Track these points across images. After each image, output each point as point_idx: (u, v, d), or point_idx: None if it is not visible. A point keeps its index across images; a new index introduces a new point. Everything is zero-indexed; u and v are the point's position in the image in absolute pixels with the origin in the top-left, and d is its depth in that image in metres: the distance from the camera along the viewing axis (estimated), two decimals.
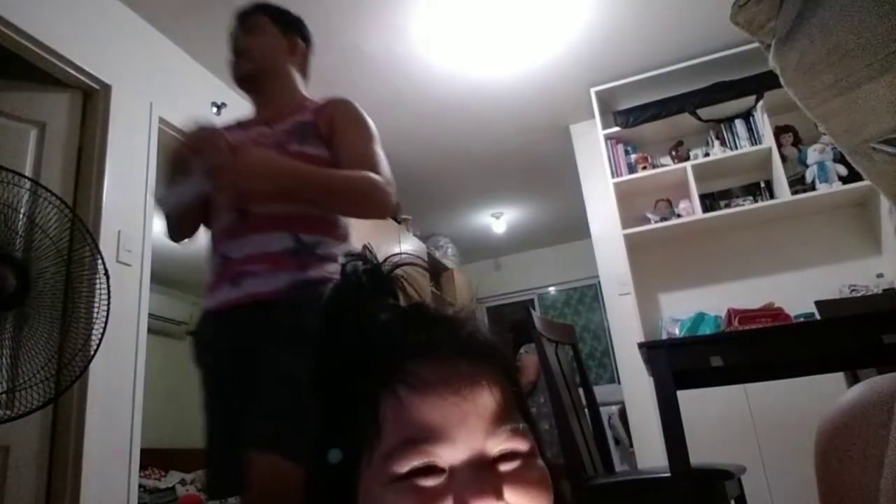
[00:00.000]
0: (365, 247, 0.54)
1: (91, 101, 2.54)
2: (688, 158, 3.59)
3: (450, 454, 0.42)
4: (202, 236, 1.43)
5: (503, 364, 0.48)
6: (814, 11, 0.46)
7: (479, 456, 0.42)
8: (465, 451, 0.42)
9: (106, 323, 1.81)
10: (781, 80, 0.52)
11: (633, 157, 3.67)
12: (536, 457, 0.45)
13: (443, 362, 0.45)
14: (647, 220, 3.61)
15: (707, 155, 3.55)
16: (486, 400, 0.44)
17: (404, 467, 0.41)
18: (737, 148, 3.50)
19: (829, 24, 0.45)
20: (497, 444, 0.43)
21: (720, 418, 3.06)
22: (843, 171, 3.17)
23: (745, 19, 0.54)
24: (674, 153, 3.65)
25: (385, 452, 0.42)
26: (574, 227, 5.34)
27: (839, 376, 2.40)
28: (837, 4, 0.44)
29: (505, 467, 0.43)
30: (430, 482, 0.41)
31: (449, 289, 5.69)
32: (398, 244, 4.52)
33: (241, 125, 1.48)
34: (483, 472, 0.41)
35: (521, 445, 0.44)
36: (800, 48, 0.48)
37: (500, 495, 0.40)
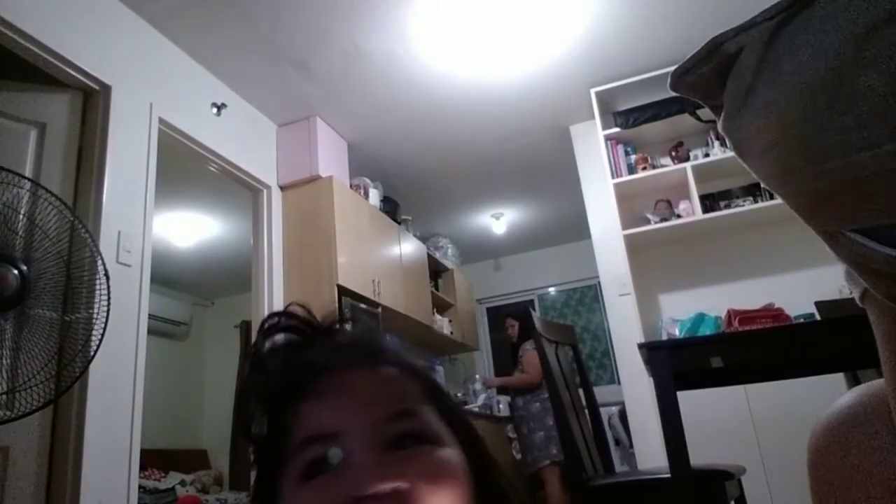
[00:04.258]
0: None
1: (91, 101, 2.54)
2: (688, 159, 3.59)
3: (344, 444, 0.45)
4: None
5: (403, 365, 0.51)
6: (767, 84, 0.44)
7: (368, 441, 0.45)
8: (356, 439, 0.45)
9: (106, 324, 1.81)
10: (732, 151, 0.50)
11: (633, 157, 3.67)
12: (441, 442, 0.46)
13: (340, 372, 0.49)
14: (647, 221, 3.61)
15: (707, 155, 3.55)
16: (378, 393, 0.47)
17: (302, 465, 0.45)
18: None
19: (781, 109, 0.43)
20: (393, 430, 0.45)
21: (720, 419, 3.06)
22: None
23: (687, 88, 0.52)
24: (674, 154, 3.65)
25: (291, 458, 0.46)
26: (574, 228, 5.34)
27: (839, 377, 2.40)
28: (788, 86, 0.42)
29: (401, 450, 0.45)
30: (327, 474, 0.44)
31: (449, 289, 5.69)
32: (398, 245, 4.52)
33: None
34: (371, 455, 0.44)
35: (419, 428, 0.46)
36: (749, 125, 0.46)
37: (392, 476, 0.42)
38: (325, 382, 0.48)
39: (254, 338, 0.55)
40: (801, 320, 2.44)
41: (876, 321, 0.52)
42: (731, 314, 2.26)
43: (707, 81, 0.50)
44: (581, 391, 2.18)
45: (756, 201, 3.42)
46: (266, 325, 0.54)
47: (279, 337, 0.53)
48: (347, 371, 0.49)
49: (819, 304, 2.16)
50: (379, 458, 0.44)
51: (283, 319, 0.54)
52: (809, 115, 0.41)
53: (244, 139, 3.48)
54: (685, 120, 3.58)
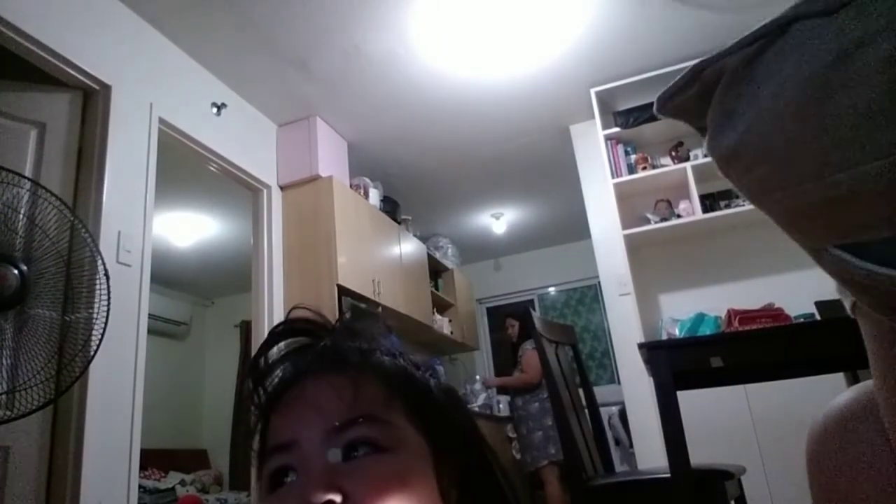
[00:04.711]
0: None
1: (91, 101, 2.54)
2: (688, 159, 3.59)
3: (298, 454, 0.46)
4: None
5: (372, 367, 0.51)
6: (747, 107, 0.44)
7: (318, 451, 0.45)
8: (309, 448, 0.46)
9: (106, 323, 1.81)
10: (718, 170, 0.50)
11: (633, 157, 3.67)
12: (396, 449, 0.46)
13: (305, 382, 0.50)
14: (647, 221, 3.61)
15: (707, 155, 3.54)
16: (332, 401, 0.47)
17: (269, 473, 0.47)
18: None
19: (762, 128, 0.43)
20: (343, 438, 0.45)
21: (720, 418, 3.06)
22: None
23: (672, 111, 0.53)
24: (674, 153, 3.65)
25: (263, 468, 0.48)
26: (574, 228, 5.34)
27: (839, 377, 2.39)
28: (767, 108, 0.42)
29: (352, 459, 0.45)
30: (286, 485, 0.45)
31: (449, 289, 5.69)
32: (398, 245, 4.52)
33: None
34: (320, 464, 0.45)
35: (370, 436, 0.46)
36: (731, 147, 0.46)
37: (330, 488, 0.42)
38: (291, 393, 0.50)
39: (254, 341, 0.56)
40: (801, 320, 2.44)
41: (865, 331, 0.53)
42: (731, 314, 2.26)
43: (691, 105, 0.50)
44: (581, 391, 2.18)
45: None
46: (265, 340, 0.55)
47: (276, 349, 0.54)
48: (311, 380, 0.50)
49: (819, 304, 2.17)
50: (324, 469, 0.44)
51: (283, 327, 0.55)
52: (788, 137, 0.42)
53: (244, 139, 3.48)
54: None
